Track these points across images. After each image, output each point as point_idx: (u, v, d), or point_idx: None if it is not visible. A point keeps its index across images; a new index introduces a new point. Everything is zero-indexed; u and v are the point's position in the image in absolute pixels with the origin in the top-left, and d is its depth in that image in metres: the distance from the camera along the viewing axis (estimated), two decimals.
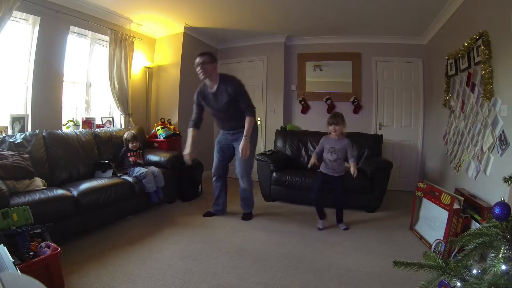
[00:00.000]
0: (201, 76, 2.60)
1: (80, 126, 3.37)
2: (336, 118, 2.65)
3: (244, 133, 2.63)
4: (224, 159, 2.92)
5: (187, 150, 2.71)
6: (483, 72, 2.36)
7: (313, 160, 2.71)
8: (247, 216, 2.95)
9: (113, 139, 3.37)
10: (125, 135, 3.30)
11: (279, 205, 2.90)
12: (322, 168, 2.78)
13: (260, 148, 4.47)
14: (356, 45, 4.38)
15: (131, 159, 3.19)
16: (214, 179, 2.98)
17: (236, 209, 3.07)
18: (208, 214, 3.00)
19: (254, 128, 2.77)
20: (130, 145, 3.22)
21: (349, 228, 2.73)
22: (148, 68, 4.24)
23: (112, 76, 3.61)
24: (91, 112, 3.70)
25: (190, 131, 2.78)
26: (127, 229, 2.62)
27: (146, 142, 3.83)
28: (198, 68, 2.57)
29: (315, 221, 2.89)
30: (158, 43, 4.41)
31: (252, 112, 2.71)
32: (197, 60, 2.58)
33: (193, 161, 3.66)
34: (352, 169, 2.60)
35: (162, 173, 3.12)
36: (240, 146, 2.63)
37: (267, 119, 4.62)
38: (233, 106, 2.65)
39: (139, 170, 2.96)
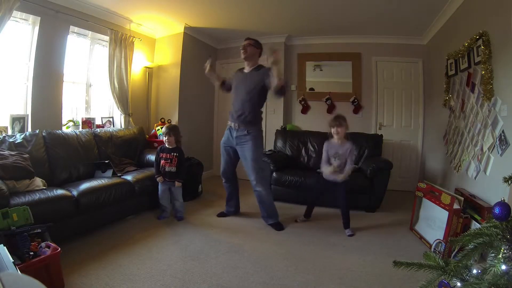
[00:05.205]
0: (242, 55, 2.69)
1: (80, 126, 3.38)
2: (339, 120, 2.62)
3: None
4: (230, 161, 2.89)
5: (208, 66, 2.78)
6: (483, 72, 2.36)
7: (331, 169, 2.62)
8: (276, 226, 2.72)
9: (113, 139, 3.37)
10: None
11: (279, 205, 2.90)
12: (323, 174, 2.73)
13: None
14: (356, 45, 4.38)
15: (161, 162, 2.85)
16: (223, 181, 2.98)
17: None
18: (221, 215, 3.01)
19: (260, 134, 2.75)
20: (164, 140, 2.88)
21: (355, 234, 2.62)
22: (148, 68, 4.25)
23: (112, 76, 3.61)
24: (91, 112, 3.70)
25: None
26: (127, 229, 2.62)
27: (146, 142, 3.83)
28: (242, 49, 2.69)
29: (315, 221, 2.89)
30: (158, 43, 4.42)
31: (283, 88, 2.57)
32: (244, 42, 2.72)
33: (190, 159, 3.68)
34: (343, 175, 2.56)
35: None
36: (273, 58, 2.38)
37: (267, 119, 4.61)
38: (257, 93, 2.65)
39: (160, 192, 2.87)
